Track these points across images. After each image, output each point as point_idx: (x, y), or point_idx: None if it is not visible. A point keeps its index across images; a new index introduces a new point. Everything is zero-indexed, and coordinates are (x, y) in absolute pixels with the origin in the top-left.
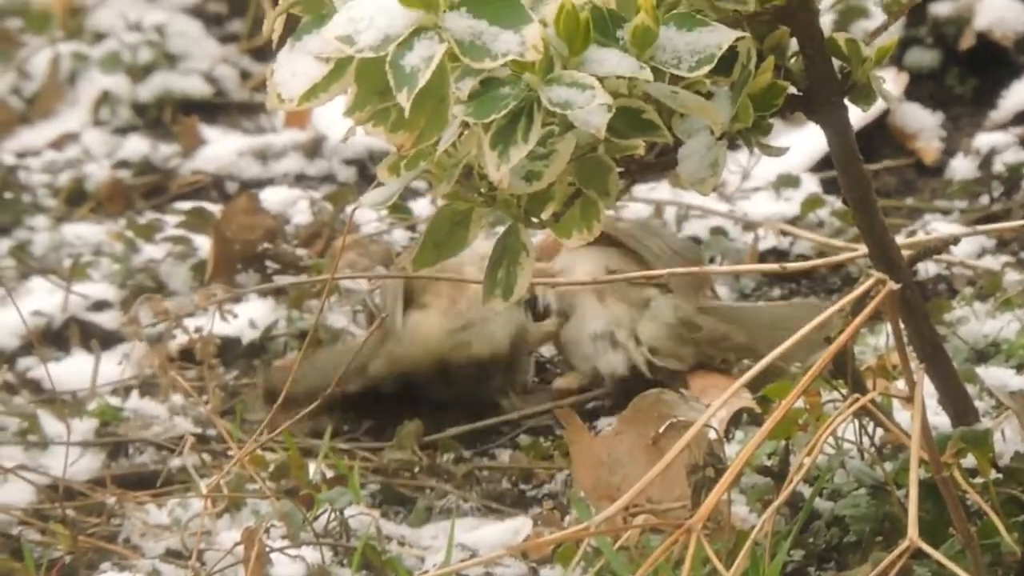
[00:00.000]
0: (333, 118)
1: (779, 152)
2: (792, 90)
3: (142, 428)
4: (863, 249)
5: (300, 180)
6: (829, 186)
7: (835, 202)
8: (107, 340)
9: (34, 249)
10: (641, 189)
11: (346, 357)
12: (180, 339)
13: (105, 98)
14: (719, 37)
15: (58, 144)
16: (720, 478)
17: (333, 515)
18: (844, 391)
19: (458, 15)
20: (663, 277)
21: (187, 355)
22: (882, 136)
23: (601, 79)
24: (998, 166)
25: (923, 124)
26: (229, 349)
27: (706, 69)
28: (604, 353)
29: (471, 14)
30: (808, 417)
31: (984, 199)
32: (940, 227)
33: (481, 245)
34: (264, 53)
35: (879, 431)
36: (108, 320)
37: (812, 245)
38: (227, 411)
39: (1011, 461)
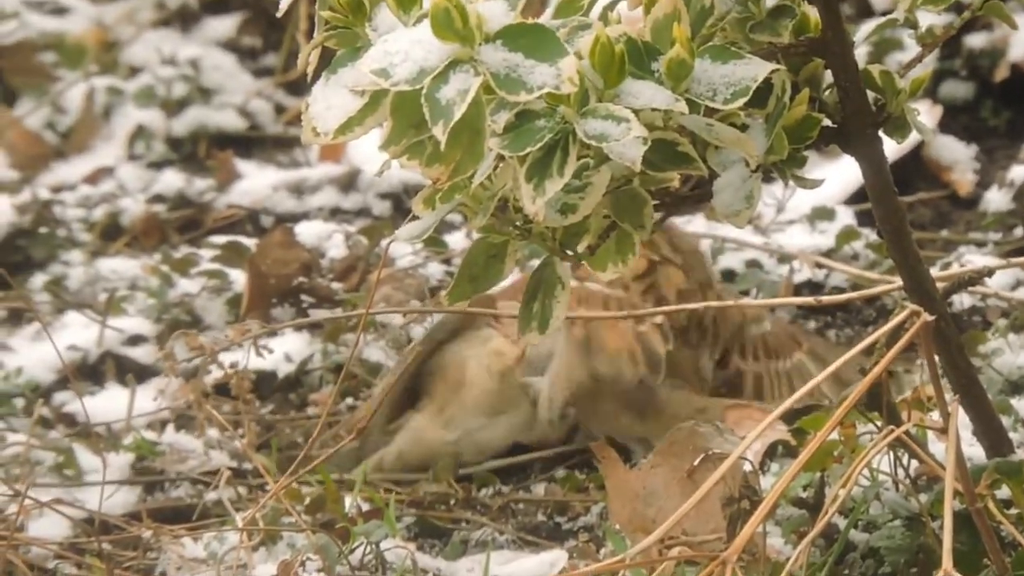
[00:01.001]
0: (368, 152)
1: (814, 184)
2: (827, 122)
3: (178, 462)
4: (898, 281)
5: (335, 214)
6: (864, 218)
7: (870, 234)
8: (142, 374)
9: (69, 284)
10: (677, 222)
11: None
12: (215, 373)
13: (140, 132)
14: (754, 70)
15: (93, 179)
16: (755, 510)
17: (369, 548)
18: (879, 423)
19: (493, 48)
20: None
21: (222, 389)
22: (916, 168)
23: (636, 112)
24: None
25: (957, 156)
26: (264, 383)
27: (741, 101)
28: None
29: (507, 47)
30: (843, 449)
31: (1018, 231)
32: (974, 259)
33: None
34: (298, 87)
35: (914, 463)
36: (143, 354)
37: (847, 277)
38: (263, 445)
39: None
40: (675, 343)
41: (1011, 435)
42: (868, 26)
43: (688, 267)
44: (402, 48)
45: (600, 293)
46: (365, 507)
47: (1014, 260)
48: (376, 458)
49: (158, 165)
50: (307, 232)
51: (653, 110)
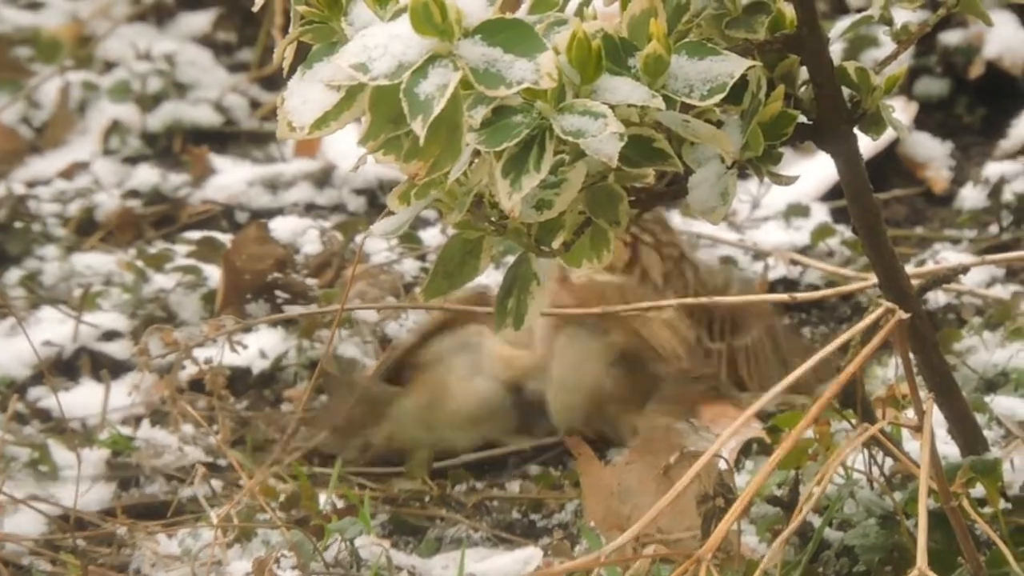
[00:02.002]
0: (343, 147)
1: (789, 181)
2: (802, 119)
3: (153, 458)
4: (873, 279)
5: (310, 209)
6: (839, 215)
7: (845, 231)
8: (117, 370)
9: (44, 279)
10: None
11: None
12: (190, 369)
13: (115, 127)
14: (731, 66)
15: (68, 173)
16: (730, 508)
17: (343, 545)
18: (853, 421)
19: (472, 43)
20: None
21: (197, 385)
22: (892, 165)
23: (613, 107)
24: (1007, 195)
25: (932, 153)
26: (239, 379)
27: (718, 98)
28: None
29: (485, 42)
30: (818, 447)
31: (993, 228)
32: (949, 256)
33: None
34: (274, 82)
35: (888, 461)
36: (118, 350)
37: (822, 274)
38: (237, 441)
39: (1020, 490)
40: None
41: (986, 433)
42: (843, 23)
43: (659, 245)
44: (381, 43)
45: (612, 284)
46: (340, 504)
47: (989, 257)
48: (363, 440)
49: (133, 160)
50: (282, 228)
51: (629, 106)
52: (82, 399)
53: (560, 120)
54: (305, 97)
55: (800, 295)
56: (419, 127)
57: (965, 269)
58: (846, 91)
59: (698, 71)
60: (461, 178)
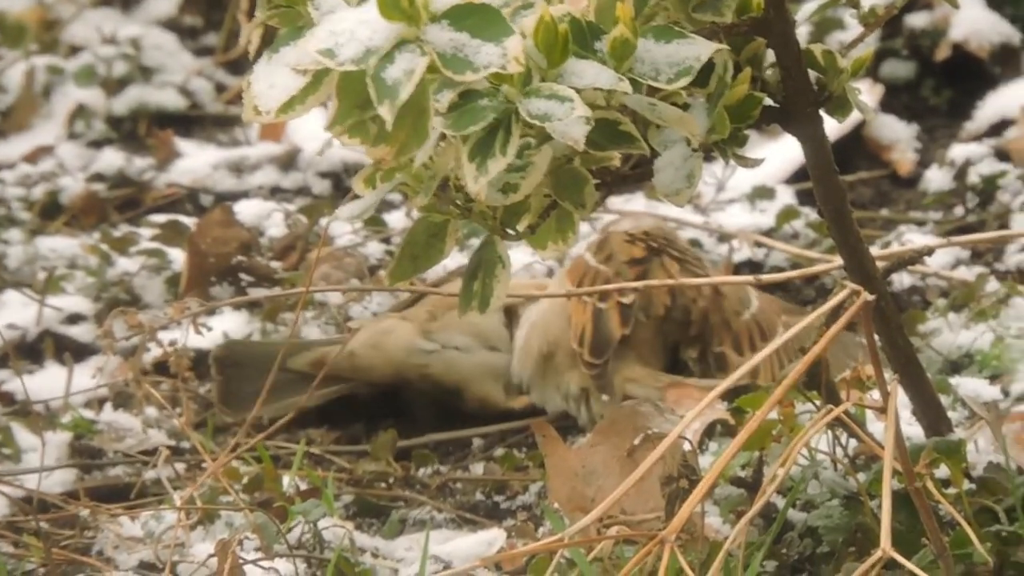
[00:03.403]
0: (308, 131)
1: (754, 164)
2: (768, 102)
3: (116, 440)
4: (838, 260)
5: (275, 193)
6: (804, 198)
7: (810, 214)
8: (81, 353)
9: (8, 262)
10: (616, 201)
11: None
12: (154, 352)
13: (80, 111)
14: (698, 49)
15: (33, 157)
16: (694, 489)
17: (307, 527)
18: (818, 402)
19: (440, 28)
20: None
21: (161, 368)
22: (857, 148)
23: (579, 91)
24: (973, 177)
25: (898, 136)
26: (203, 362)
27: (685, 81)
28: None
29: (453, 27)
30: (782, 428)
31: (958, 210)
32: (915, 238)
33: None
34: (239, 66)
35: (853, 442)
36: (82, 333)
37: (787, 256)
38: (201, 423)
39: (984, 471)
40: (645, 328)
41: (950, 414)
42: (810, 6)
43: (684, 261)
44: (348, 28)
45: (597, 269)
46: (303, 486)
47: (954, 239)
48: (318, 353)
49: (98, 144)
50: (247, 211)
51: (596, 89)
52: (46, 382)
53: (527, 104)
54: (271, 81)
55: (765, 277)
56: (387, 112)
57: (930, 251)
58: (812, 74)
59: (665, 54)
60: (427, 162)
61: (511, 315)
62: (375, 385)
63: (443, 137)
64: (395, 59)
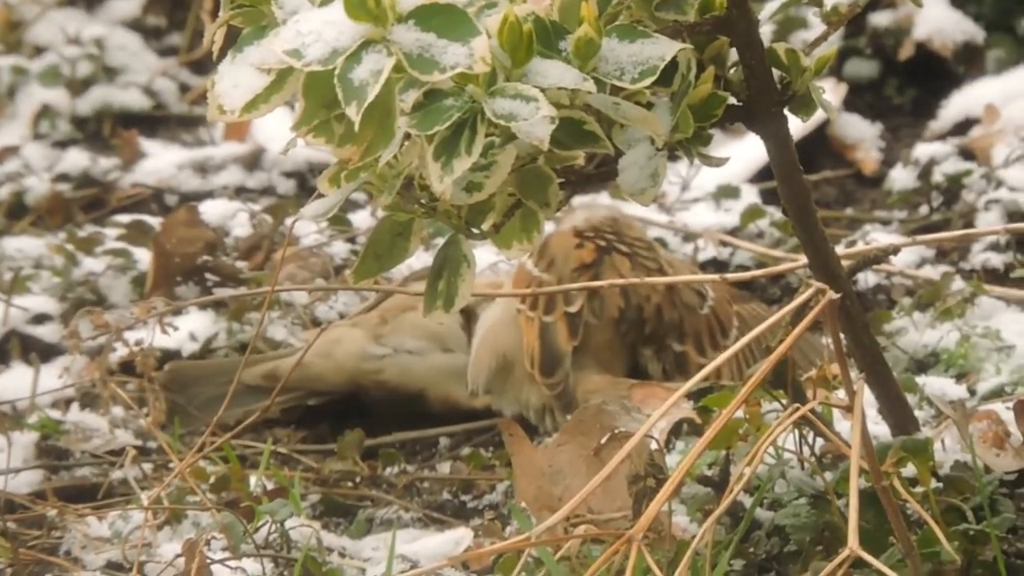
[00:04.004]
0: (273, 130)
1: (719, 163)
2: (732, 101)
3: (83, 441)
4: (803, 260)
5: (240, 193)
6: (769, 197)
7: (775, 213)
8: (47, 353)
9: None
10: (581, 200)
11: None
12: (120, 352)
13: (44, 112)
14: (662, 49)
15: None
16: (661, 488)
17: (274, 527)
18: (784, 401)
19: (406, 28)
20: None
21: (128, 368)
22: (822, 147)
23: (544, 91)
24: (937, 176)
25: (862, 135)
26: (169, 361)
27: (649, 81)
28: None
29: (419, 27)
30: (748, 427)
31: (923, 209)
32: (879, 237)
33: None
34: (203, 66)
35: (819, 441)
36: (48, 333)
37: (752, 256)
38: (167, 423)
39: (951, 470)
40: (601, 332)
41: (916, 413)
42: (773, 4)
43: (634, 255)
44: (314, 28)
45: (540, 279)
46: (270, 485)
47: (919, 238)
48: (269, 366)
49: (63, 144)
50: (212, 211)
51: (560, 89)
52: (11, 382)
53: (492, 104)
54: (235, 81)
55: (730, 276)
56: (354, 112)
57: (895, 250)
58: (776, 73)
59: (629, 54)
60: (391, 161)
61: (469, 316)
62: (328, 394)
63: (407, 136)
64: (362, 59)
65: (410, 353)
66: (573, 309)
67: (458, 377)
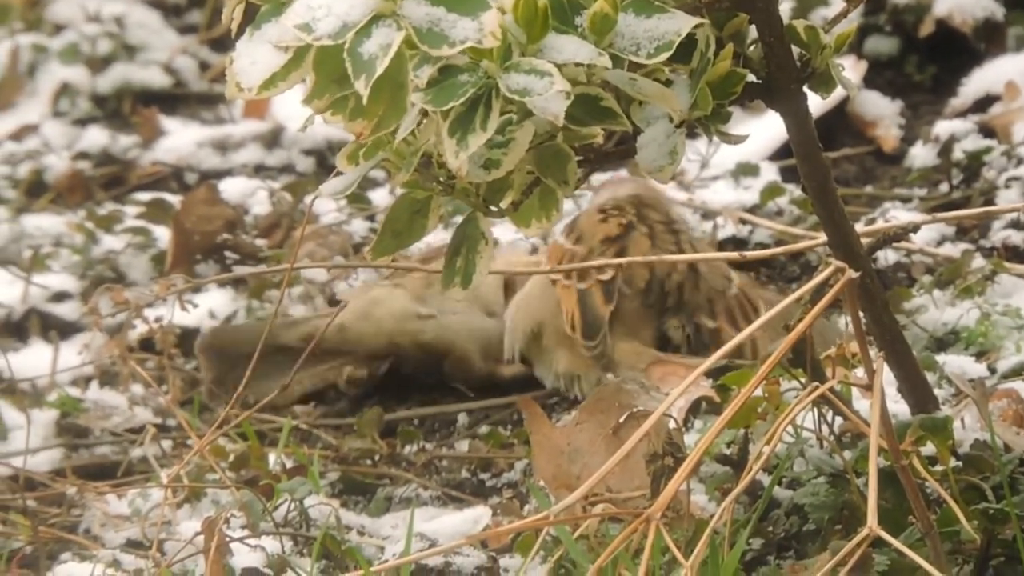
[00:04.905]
0: (292, 108)
1: (738, 140)
2: (751, 78)
3: (102, 418)
4: (822, 237)
5: (259, 170)
6: (788, 174)
7: (794, 190)
8: (67, 331)
9: None
10: (599, 178)
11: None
12: (140, 329)
13: (64, 89)
14: (678, 24)
15: (17, 136)
16: (679, 467)
17: (293, 505)
18: (803, 379)
19: (416, 2)
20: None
21: (147, 345)
22: (841, 124)
23: (559, 66)
24: (957, 153)
25: (882, 112)
26: (189, 339)
27: (665, 56)
28: None
29: (429, 1)
30: (767, 406)
31: (943, 187)
32: (899, 215)
33: None
34: (223, 43)
35: (838, 419)
36: (68, 311)
37: (771, 233)
38: (187, 401)
39: (970, 449)
40: (631, 301)
41: (936, 391)
42: None
43: (654, 235)
44: (325, 3)
45: (573, 250)
46: (289, 463)
47: (939, 215)
48: (308, 327)
49: (83, 122)
50: (231, 189)
51: (576, 65)
52: (31, 360)
53: (506, 79)
54: (253, 58)
55: (749, 254)
56: (362, 86)
57: (915, 227)
58: (795, 50)
59: (645, 29)
60: (409, 138)
61: (509, 290)
62: (367, 357)
63: (425, 113)
64: (371, 33)
65: (455, 314)
66: (606, 277)
67: (485, 342)
